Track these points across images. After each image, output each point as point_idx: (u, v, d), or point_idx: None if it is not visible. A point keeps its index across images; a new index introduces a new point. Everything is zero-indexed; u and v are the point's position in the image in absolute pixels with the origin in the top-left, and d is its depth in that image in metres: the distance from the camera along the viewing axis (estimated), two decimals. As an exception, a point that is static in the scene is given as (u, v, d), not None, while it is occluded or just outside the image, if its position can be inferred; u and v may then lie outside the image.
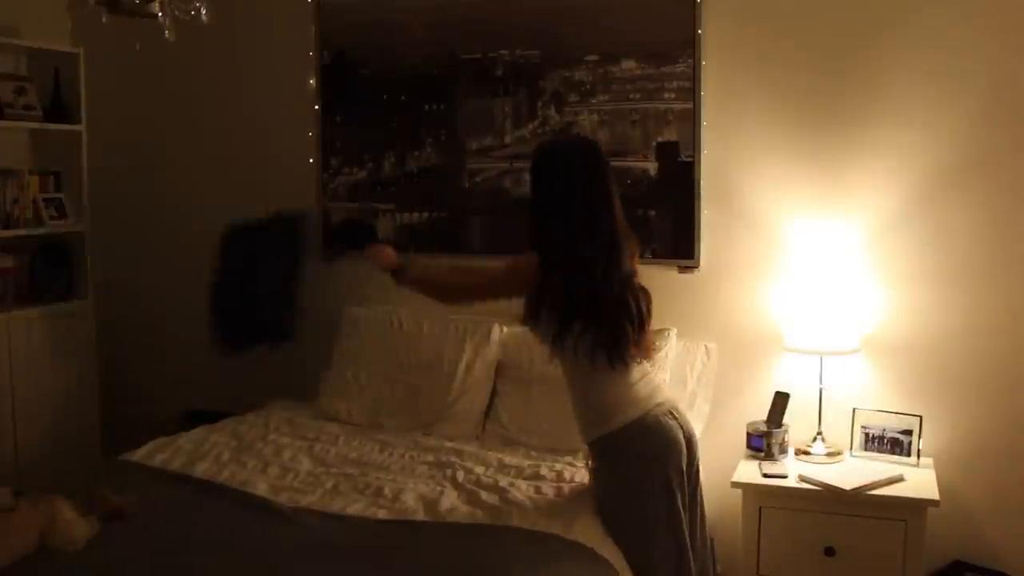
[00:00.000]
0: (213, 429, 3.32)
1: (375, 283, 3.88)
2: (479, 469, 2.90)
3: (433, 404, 3.39)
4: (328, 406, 3.51)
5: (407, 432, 3.30)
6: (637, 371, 2.56)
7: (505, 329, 3.51)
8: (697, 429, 3.03)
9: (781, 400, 3.20)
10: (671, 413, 2.58)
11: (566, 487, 2.73)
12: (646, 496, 2.49)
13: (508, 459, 3.00)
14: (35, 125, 4.01)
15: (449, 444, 3.15)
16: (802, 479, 3.01)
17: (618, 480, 2.53)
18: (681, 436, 2.56)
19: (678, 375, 3.28)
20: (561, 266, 2.48)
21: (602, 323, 2.46)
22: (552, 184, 2.55)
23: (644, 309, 2.54)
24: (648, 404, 2.53)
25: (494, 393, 3.40)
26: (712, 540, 3.32)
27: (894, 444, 3.14)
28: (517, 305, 2.61)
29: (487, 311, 3.59)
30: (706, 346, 3.36)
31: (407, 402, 3.43)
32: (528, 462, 2.96)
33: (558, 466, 2.90)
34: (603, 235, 2.49)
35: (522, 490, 2.70)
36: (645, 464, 2.51)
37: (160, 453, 3.05)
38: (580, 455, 2.82)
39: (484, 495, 2.67)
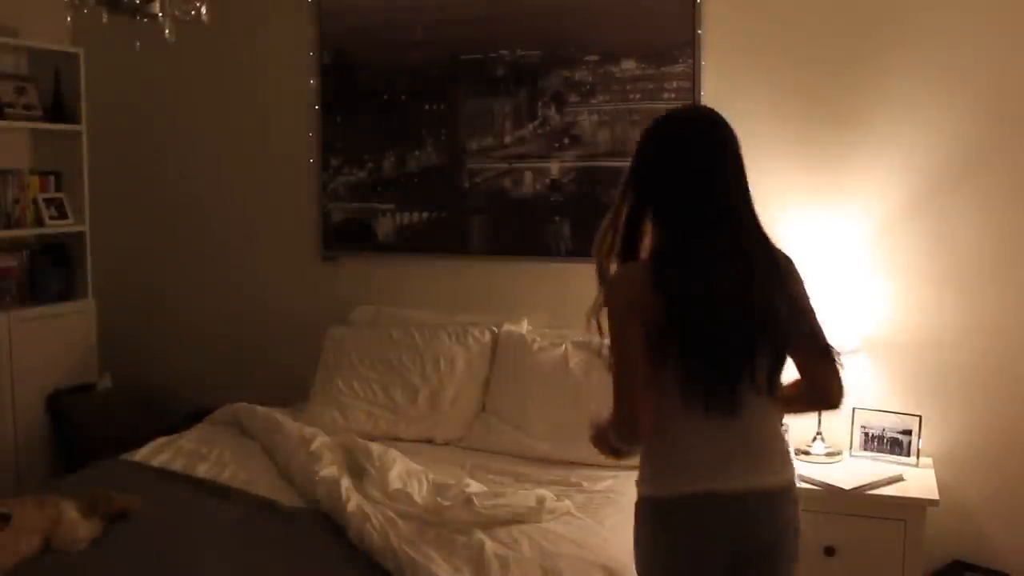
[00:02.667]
0: (214, 429, 3.32)
1: (375, 283, 3.92)
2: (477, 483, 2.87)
3: (429, 409, 3.38)
4: (319, 415, 3.43)
5: (402, 440, 3.28)
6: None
7: (500, 330, 3.51)
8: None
9: (781, 400, 3.20)
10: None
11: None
12: None
13: (493, 476, 2.96)
14: (35, 125, 4.01)
15: (443, 451, 3.14)
16: (802, 479, 3.01)
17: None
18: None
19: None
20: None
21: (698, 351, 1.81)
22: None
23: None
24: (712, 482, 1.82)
25: (490, 396, 3.41)
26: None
27: (894, 444, 3.15)
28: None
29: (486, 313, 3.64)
30: None
31: (403, 408, 3.41)
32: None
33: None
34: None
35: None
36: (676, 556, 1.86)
37: (161, 453, 3.06)
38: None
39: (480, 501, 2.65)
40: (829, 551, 2.95)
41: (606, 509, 2.65)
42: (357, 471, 2.76)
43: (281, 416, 3.25)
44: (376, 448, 2.89)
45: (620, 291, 1.86)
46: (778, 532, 1.87)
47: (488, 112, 3.71)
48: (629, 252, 1.92)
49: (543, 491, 2.65)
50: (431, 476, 2.72)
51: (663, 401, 1.82)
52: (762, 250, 1.87)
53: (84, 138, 4.09)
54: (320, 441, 2.96)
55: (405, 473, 2.73)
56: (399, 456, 2.85)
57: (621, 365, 1.82)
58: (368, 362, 3.53)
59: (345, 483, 2.62)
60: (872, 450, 3.17)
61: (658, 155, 1.94)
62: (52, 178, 4.09)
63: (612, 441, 1.90)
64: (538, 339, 3.42)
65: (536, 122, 3.65)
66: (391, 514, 2.47)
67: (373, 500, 2.56)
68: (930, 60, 3.15)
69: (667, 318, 1.78)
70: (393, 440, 3.24)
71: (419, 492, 2.62)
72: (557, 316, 3.56)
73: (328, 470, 2.72)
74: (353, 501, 2.51)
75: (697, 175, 1.88)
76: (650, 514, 1.88)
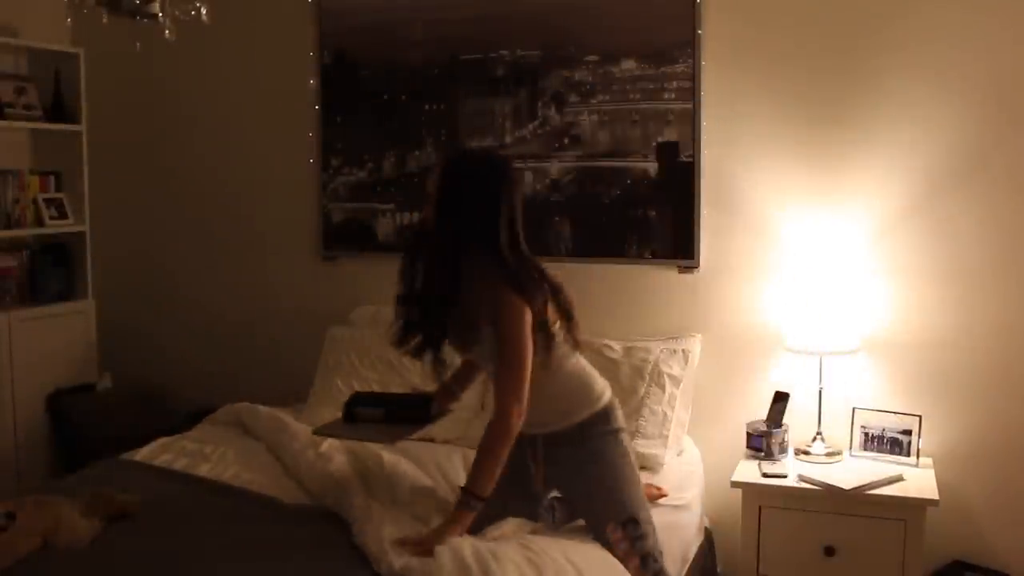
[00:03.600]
0: (216, 429, 3.32)
1: (375, 283, 3.91)
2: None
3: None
4: (319, 415, 3.36)
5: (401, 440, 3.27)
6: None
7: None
8: (682, 430, 3.32)
9: (781, 400, 3.21)
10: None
11: None
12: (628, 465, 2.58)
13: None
14: (35, 125, 4.02)
15: (442, 450, 3.15)
16: (802, 479, 3.01)
17: (607, 455, 2.56)
18: None
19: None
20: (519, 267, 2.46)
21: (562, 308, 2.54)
22: (487, 193, 2.46)
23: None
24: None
25: (490, 395, 3.40)
26: (712, 539, 3.34)
27: (894, 444, 3.14)
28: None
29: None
30: (683, 350, 3.35)
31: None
32: None
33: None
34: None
35: None
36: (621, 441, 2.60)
37: (163, 453, 3.05)
38: None
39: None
40: (829, 551, 2.95)
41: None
42: (366, 473, 2.77)
43: (285, 416, 3.25)
44: (388, 457, 2.88)
45: (527, 314, 2.39)
46: None
47: (488, 112, 3.71)
48: (454, 281, 2.46)
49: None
50: (439, 496, 2.71)
51: (553, 360, 2.49)
52: None
53: (84, 138, 4.09)
54: (330, 442, 2.96)
55: (415, 488, 2.72)
56: (409, 468, 2.83)
57: (527, 365, 2.39)
58: (368, 362, 3.53)
59: (354, 483, 2.63)
60: (872, 450, 3.17)
61: (491, 192, 2.44)
62: (52, 178, 4.09)
63: (500, 452, 2.39)
64: (538, 339, 3.41)
65: (536, 122, 3.65)
66: (396, 513, 2.47)
67: (380, 502, 2.57)
68: (930, 59, 3.15)
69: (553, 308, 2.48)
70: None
71: (424, 502, 2.62)
72: (557, 316, 3.56)
73: (338, 470, 2.73)
74: (359, 499, 2.51)
75: (516, 210, 2.46)
76: (605, 420, 2.55)
